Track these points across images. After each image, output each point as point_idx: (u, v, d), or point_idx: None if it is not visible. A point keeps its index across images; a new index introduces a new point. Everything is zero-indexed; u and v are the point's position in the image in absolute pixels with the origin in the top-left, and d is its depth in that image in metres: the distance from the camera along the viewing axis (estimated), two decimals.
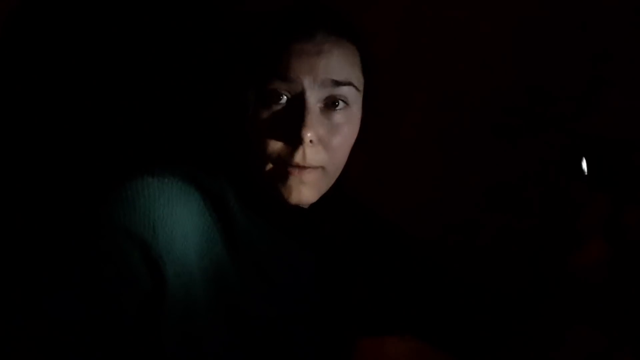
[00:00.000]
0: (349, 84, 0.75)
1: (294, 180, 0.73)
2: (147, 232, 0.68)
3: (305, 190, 0.74)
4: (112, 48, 0.95)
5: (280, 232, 0.78)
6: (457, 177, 0.99)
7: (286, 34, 0.74)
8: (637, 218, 0.76)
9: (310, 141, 0.72)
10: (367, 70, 0.79)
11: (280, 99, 0.73)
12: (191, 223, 0.72)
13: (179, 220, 0.70)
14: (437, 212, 1.00)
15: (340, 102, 0.75)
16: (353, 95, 0.76)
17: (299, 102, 0.73)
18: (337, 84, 0.74)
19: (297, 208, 0.77)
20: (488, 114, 0.97)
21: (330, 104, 0.75)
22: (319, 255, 0.82)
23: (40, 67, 0.94)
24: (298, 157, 0.72)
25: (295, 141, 0.72)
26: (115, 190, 0.70)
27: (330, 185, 0.78)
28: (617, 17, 0.91)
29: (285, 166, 0.73)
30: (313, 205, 0.79)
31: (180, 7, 0.96)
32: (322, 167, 0.75)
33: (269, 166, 0.74)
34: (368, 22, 0.82)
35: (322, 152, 0.74)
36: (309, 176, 0.74)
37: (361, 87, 0.78)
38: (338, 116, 0.75)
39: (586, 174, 0.81)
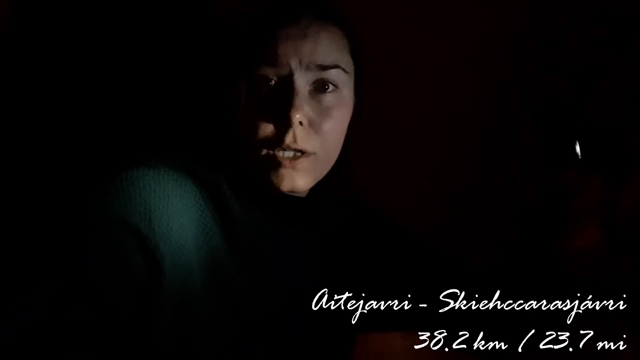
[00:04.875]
0: (337, 66, 0.75)
1: (286, 169, 0.73)
2: (143, 223, 0.68)
3: (298, 178, 0.74)
4: (107, 44, 0.95)
5: (278, 222, 0.78)
6: (454, 167, 1.00)
7: (271, 20, 0.74)
8: (631, 201, 0.77)
9: (300, 123, 0.72)
10: (356, 54, 0.79)
11: (269, 84, 0.73)
12: (188, 214, 0.71)
13: (175, 211, 0.70)
14: (433, 200, 1.00)
15: (330, 85, 0.75)
16: (342, 79, 0.76)
17: (287, 86, 0.73)
18: (325, 67, 0.74)
19: (294, 197, 0.77)
20: (483, 103, 0.98)
21: (319, 87, 0.74)
22: (317, 245, 0.82)
23: (37, 63, 0.94)
24: (288, 139, 0.72)
25: (285, 123, 0.72)
26: (111, 181, 0.69)
27: (324, 172, 0.77)
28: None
29: (276, 154, 0.73)
30: (310, 195, 0.79)
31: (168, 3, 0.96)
32: (314, 154, 0.74)
33: (261, 153, 0.73)
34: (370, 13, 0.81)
35: (313, 136, 0.74)
36: (301, 165, 0.73)
37: (351, 71, 0.78)
38: (328, 99, 0.75)
39: (580, 158, 0.81)
